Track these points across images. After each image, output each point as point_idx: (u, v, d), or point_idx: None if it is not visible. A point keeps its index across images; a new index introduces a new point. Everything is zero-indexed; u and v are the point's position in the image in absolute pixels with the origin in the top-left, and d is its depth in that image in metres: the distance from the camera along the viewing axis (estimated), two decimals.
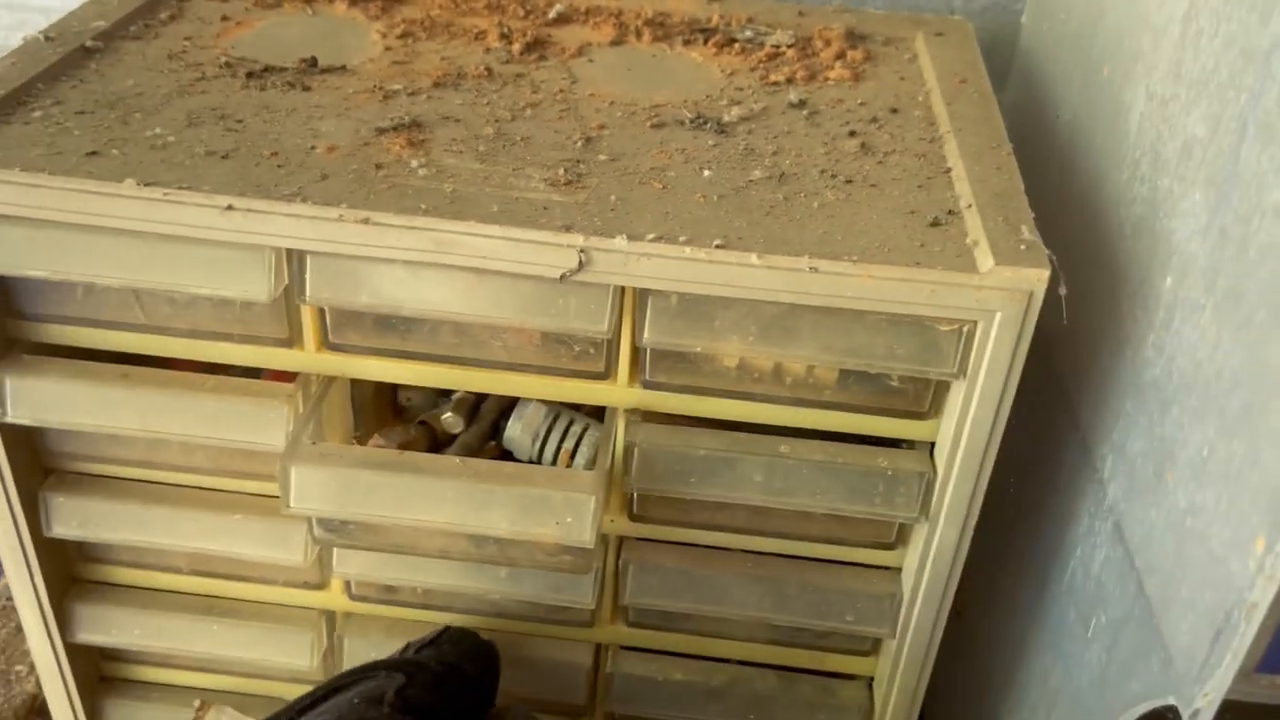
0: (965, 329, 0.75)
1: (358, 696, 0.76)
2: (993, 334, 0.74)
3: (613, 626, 0.98)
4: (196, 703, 1.05)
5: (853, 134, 0.90)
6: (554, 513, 0.79)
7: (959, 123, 0.91)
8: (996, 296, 0.72)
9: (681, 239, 0.74)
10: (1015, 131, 0.89)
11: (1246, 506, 0.58)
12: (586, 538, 0.80)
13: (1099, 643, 0.79)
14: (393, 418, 0.97)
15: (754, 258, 0.73)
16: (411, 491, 0.80)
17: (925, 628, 0.90)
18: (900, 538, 0.89)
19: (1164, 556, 0.69)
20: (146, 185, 0.75)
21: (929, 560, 0.86)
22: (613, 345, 0.82)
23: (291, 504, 0.80)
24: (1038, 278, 0.72)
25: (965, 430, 0.79)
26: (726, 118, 0.91)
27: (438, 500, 0.80)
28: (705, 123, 0.90)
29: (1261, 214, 0.60)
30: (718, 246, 0.73)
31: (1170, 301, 0.71)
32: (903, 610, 0.90)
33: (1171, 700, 0.65)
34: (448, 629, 0.89)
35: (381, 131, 0.85)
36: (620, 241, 0.73)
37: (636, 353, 0.82)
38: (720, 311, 0.77)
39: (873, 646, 0.97)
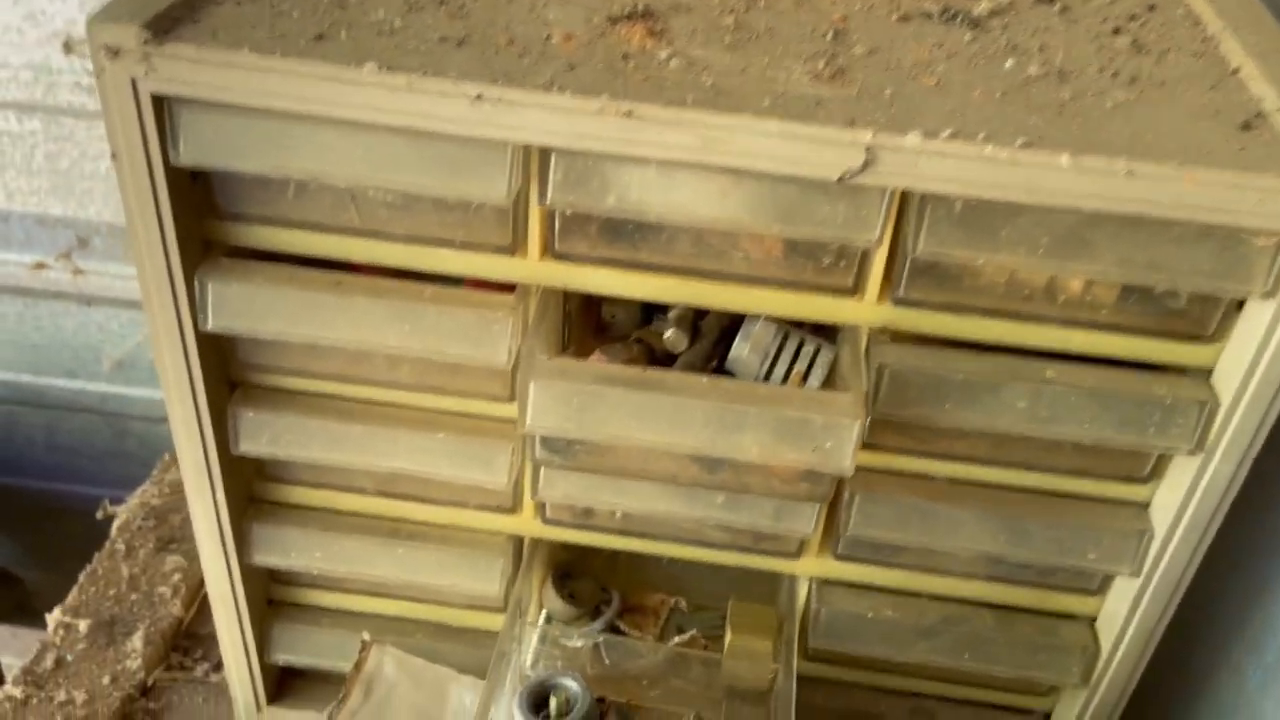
0: None
1: None
2: None
3: (820, 559, 0.93)
4: (362, 640, 1.02)
5: (1117, 31, 0.82)
6: (813, 437, 0.74)
7: (1229, 21, 0.83)
8: None
9: (979, 136, 0.67)
10: None
11: None
12: (846, 464, 0.74)
13: None
14: (596, 335, 0.91)
15: (1064, 159, 0.66)
16: (658, 411, 0.74)
17: (1177, 567, 0.84)
18: (1156, 471, 0.83)
19: None
20: (389, 70, 0.68)
21: (1195, 496, 0.80)
22: (867, 257, 0.76)
23: (530, 421, 0.75)
24: None
25: (1266, 354, 0.72)
26: (976, 11, 0.83)
27: (685, 422, 0.74)
28: (955, 16, 0.82)
29: None
30: (1023, 146, 0.66)
31: None
32: (1153, 548, 0.84)
33: None
34: None
35: (614, 21, 0.78)
36: (913, 139, 0.67)
37: (892, 266, 0.76)
38: (1008, 220, 0.70)
39: (1100, 585, 0.91)
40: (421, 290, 0.80)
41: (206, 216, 0.80)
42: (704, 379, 0.75)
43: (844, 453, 0.74)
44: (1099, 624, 0.93)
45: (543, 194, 0.73)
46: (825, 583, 0.95)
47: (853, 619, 0.93)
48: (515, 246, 0.78)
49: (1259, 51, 0.78)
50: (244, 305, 0.80)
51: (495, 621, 1.02)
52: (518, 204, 0.76)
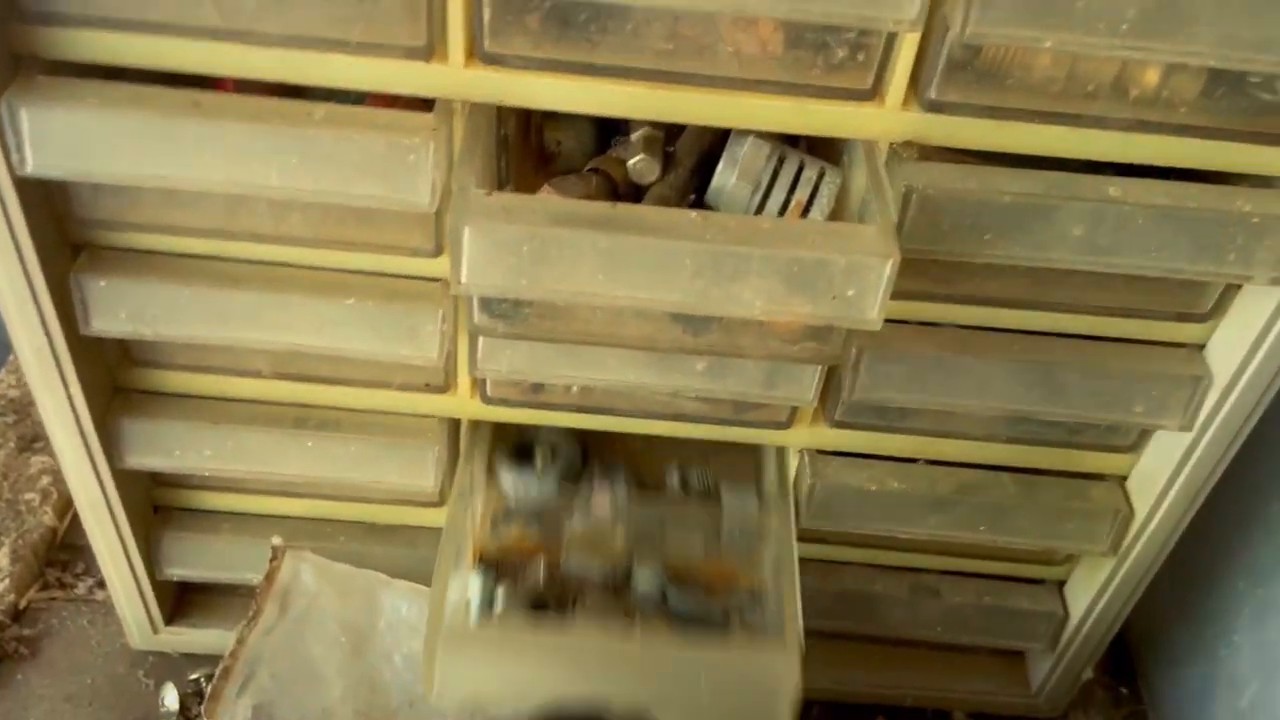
0: None
1: None
2: None
3: (813, 428, 0.79)
4: (272, 546, 0.85)
5: None
6: (832, 284, 0.58)
7: None
8: None
9: None
10: None
11: None
12: (873, 315, 0.59)
13: None
14: (538, 169, 0.73)
15: None
16: (635, 259, 0.57)
17: (1237, 418, 0.72)
18: (1218, 306, 0.70)
19: None
20: None
21: (1270, 334, 0.67)
22: (891, 47, 0.59)
23: (464, 278, 0.57)
24: None
25: None
26: None
27: (671, 270, 0.57)
28: None
29: None
30: None
31: None
32: (1211, 397, 0.71)
33: None
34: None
35: None
36: None
37: (921, 60, 0.59)
38: None
39: (1136, 442, 0.79)
40: (310, 111, 0.60)
41: (11, 20, 0.59)
42: (693, 214, 0.58)
43: (870, 302, 0.58)
44: (1130, 484, 0.81)
45: None
46: (820, 453, 0.81)
47: (852, 493, 0.80)
48: (431, 48, 0.59)
49: None
50: (73, 137, 0.60)
51: (431, 517, 0.87)
52: None
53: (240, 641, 0.81)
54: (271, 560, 0.86)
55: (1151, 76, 0.60)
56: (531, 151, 0.74)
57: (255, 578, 0.86)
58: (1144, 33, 0.55)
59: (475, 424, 0.80)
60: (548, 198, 0.63)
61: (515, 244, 0.57)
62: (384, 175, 0.61)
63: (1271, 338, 0.67)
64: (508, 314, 0.63)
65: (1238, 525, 0.87)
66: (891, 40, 0.59)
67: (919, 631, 0.92)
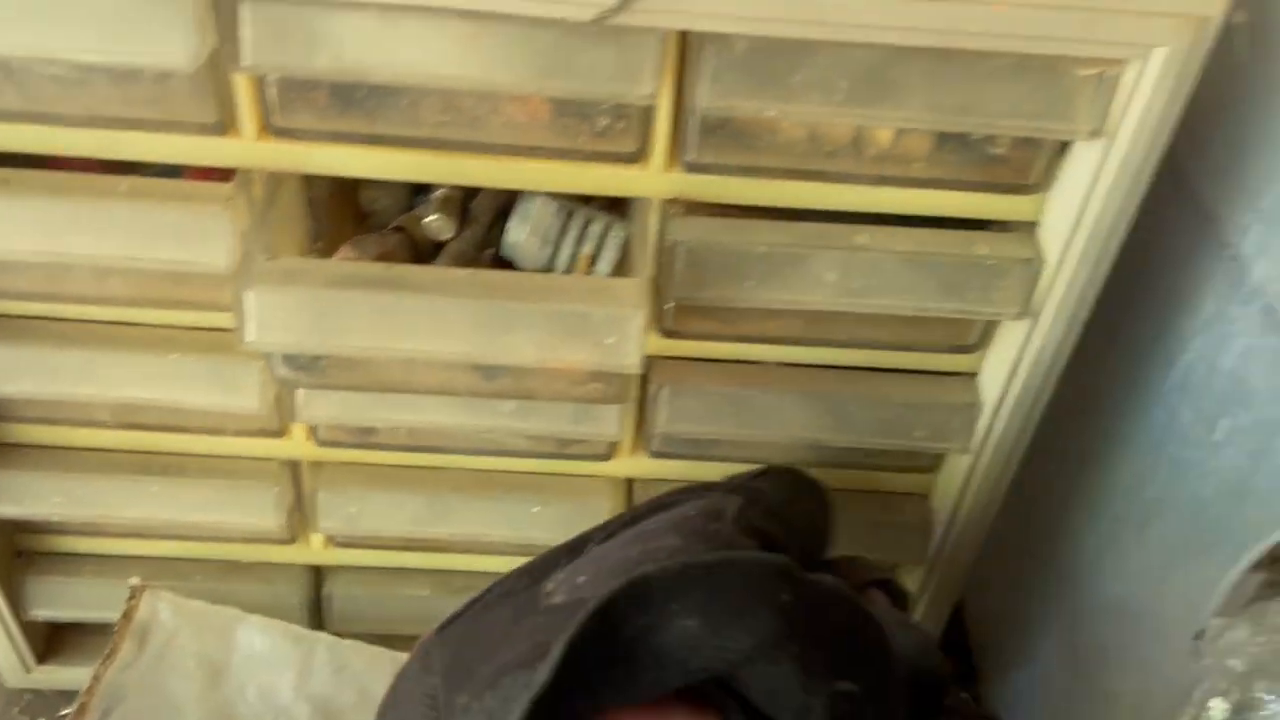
0: (1108, 74, 0.59)
1: (694, 510, 0.60)
2: (1150, 76, 0.58)
3: (634, 458, 0.84)
4: (130, 586, 0.89)
5: None
6: (594, 333, 0.63)
7: None
8: (1163, 26, 0.56)
9: None
10: None
11: None
12: (632, 360, 0.64)
13: (1234, 447, 0.67)
14: (356, 227, 0.78)
15: None
16: (409, 315, 0.62)
17: (1008, 441, 0.78)
18: (983, 339, 0.76)
19: None
20: None
21: (1024, 363, 0.73)
22: (648, 117, 0.64)
23: (250, 338, 0.62)
24: None
25: (1093, 203, 0.64)
26: None
27: (444, 325, 0.63)
28: None
29: None
30: None
31: None
32: (982, 421, 0.77)
33: None
34: (772, 467, 0.75)
35: None
36: None
37: (679, 126, 0.65)
38: (801, 61, 0.59)
39: (933, 462, 0.85)
40: (115, 184, 0.65)
41: None
42: (464, 273, 0.63)
43: (629, 348, 0.64)
44: (934, 501, 0.87)
45: (237, 56, 0.58)
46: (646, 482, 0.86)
47: None
48: (225, 124, 0.64)
49: None
50: None
51: (285, 554, 0.91)
52: (218, 71, 0.61)
53: (96, 679, 0.85)
54: (129, 599, 0.89)
55: (884, 137, 0.65)
56: (351, 211, 0.79)
57: (118, 616, 0.90)
58: (858, 100, 0.61)
59: (316, 465, 0.85)
60: (334, 260, 0.68)
61: (297, 305, 0.62)
62: (186, 241, 0.66)
63: (1027, 363, 0.73)
64: (307, 366, 0.68)
65: (1047, 536, 0.93)
66: (647, 111, 0.64)
67: None
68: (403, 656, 0.82)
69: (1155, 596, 0.77)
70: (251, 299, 0.61)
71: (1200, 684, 0.78)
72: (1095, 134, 0.61)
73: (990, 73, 0.59)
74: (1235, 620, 0.80)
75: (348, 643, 0.87)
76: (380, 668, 0.86)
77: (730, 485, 0.68)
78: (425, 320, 0.62)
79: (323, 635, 0.87)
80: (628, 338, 0.64)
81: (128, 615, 0.89)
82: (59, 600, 0.93)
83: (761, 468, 0.74)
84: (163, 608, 0.90)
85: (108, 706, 0.84)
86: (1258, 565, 0.90)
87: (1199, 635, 0.73)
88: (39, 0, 0.56)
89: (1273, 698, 0.77)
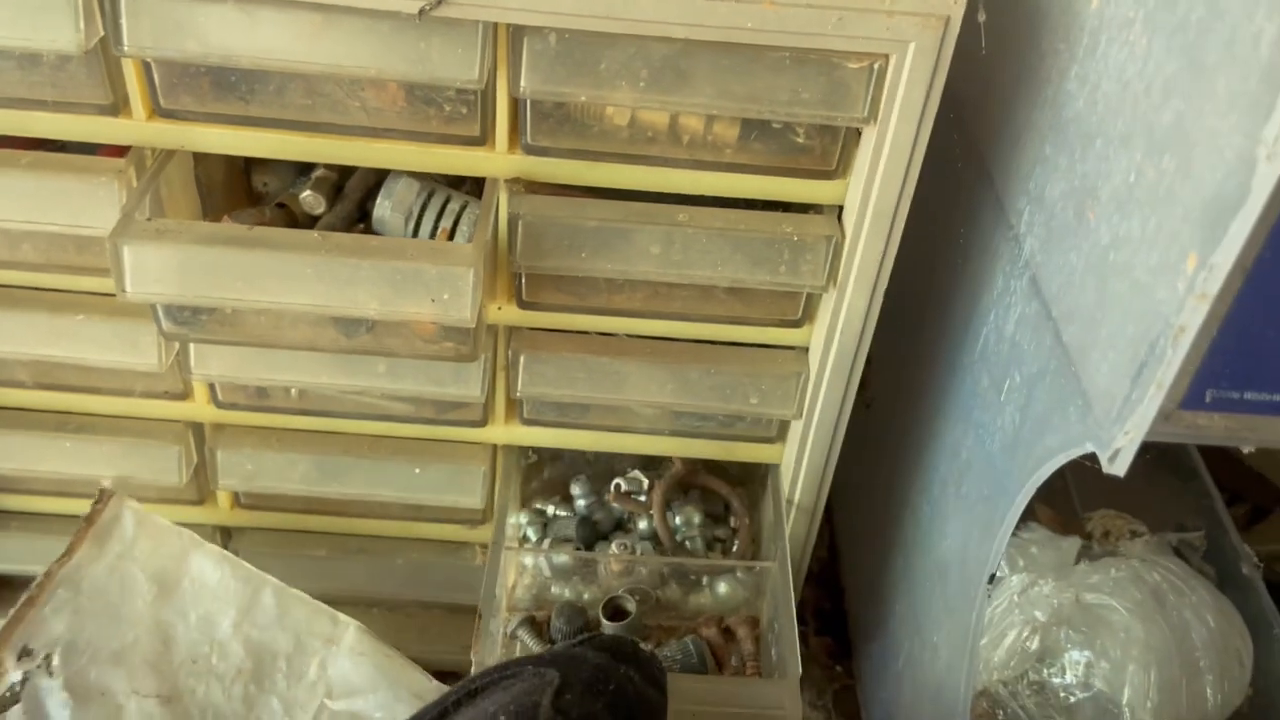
0: (876, 66, 0.68)
1: (506, 709, 0.59)
2: (906, 69, 0.67)
3: (508, 426, 0.92)
4: (100, 489, 0.93)
5: None
6: (429, 289, 0.72)
7: None
8: (910, 23, 0.65)
9: None
10: None
11: (1177, 224, 0.53)
12: (466, 315, 0.73)
13: (1012, 404, 0.75)
14: (248, 205, 0.87)
15: None
16: (264, 270, 0.71)
17: (833, 405, 0.85)
18: (807, 313, 0.84)
19: (1084, 299, 0.64)
20: None
21: (836, 332, 0.81)
22: (487, 101, 0.73)
23: (127, 288, 0.71)
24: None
25: (875, 183, 0.72)
26: None
27: (296, 279, 0.71)
28: None
29: None
30: None
31: (1095, 25, 0.65)
32: (809, 389, 0.85)
33: (1089, 447, 0.62)
34: (596, 636, 0.71)
35: None
36: None
37: (516, 112, 0.74)
38: (605, 51, 0.68)
39: (779, 432, 0.93)
40: (18, 157, 0.74)
41: None
42: (313, 234, 0.72)
43: (463, 302, 0.72)
44: (780, 471, 0.95)
45: (118, 40, 0.68)
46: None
47: None
48: (117, 106, 0.73)
49: None
50: None
51: (195, 514, 0.99)
52: (109, 57, 0.71)
53: (49, 575, 0.89)
54: (96, 502, 0.93)
55: (696, 124, 0.74)
56: (244, 192, 0.88)
57: (41, 570, 0.97)
58: (657, 88, 0.69)
59: (217, 426, 0.93)
60: (193, 223, 0.77)
61: (168, 259, 0.70)
62: (81, 210, 0.75)
63: (839, 331, 0.81)
64: (188, 321, 0.76)
65: (895, 507, 1.01)
66: (486, 97, 0.73)
67: None
68: (344, 618, 0.88)
69: (964, 552, 0.84)
70: (127, 254, 0.70)
71: (1006, 631, 0.86)
72: (869, 120, 0.70)
73: (772, 64, 0.68)
74: (1043, 577, 0.88)
75: (294, 592, 0.90)
76: (320, 623, 0.89)
77: (548, 657, 0.66)
78: (279, 274, 0.71)
79: (270, 579, 0.90)
80: (460, 294, 0.72)
81: (90, 518, 0.92)
82: None
83: (585, 636, 0.71)
84: (127, 515, 0.92)
85: (57, 603, 0.89)
86: (1089, 535, 0.98)
87: (990, 580, 0.80)
88: None
89: (1070, 645, 0.84)
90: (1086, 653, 0.84)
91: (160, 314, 0.76)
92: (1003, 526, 0.76)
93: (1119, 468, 0.59)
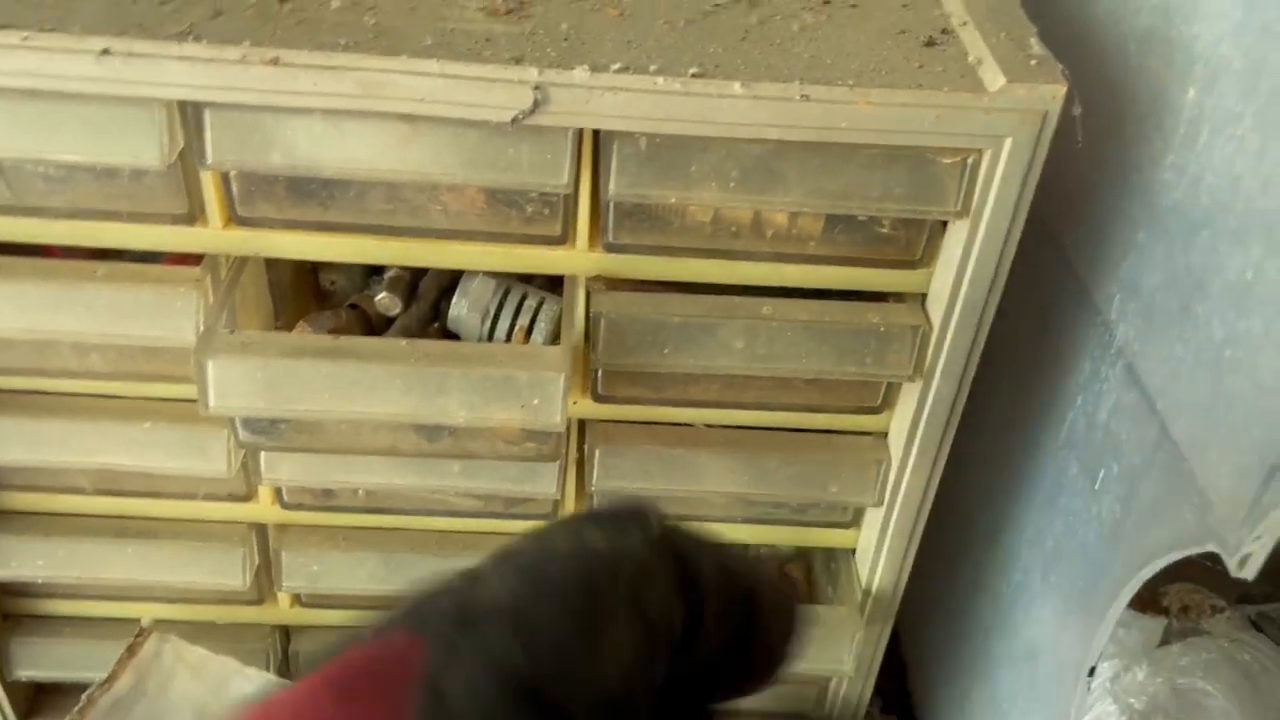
0: (969, 160, 0.67)
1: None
2: (1001, 163, 0.66)
3: None
4: (140, 625, 0.93)
5: None
6: (519, 395, 0.70)
7: None
8: (1008, 119, 0.65)
9: (651, 69, 0.64)
10: None
11: None
12: (556, 420, 0.71)
13: (1110, 495, 0.74)
14: (318, 305, 0.86)
15: (736, 86, 0.63)
16: (353, 381, 0.69)
17: (916, 493, 0.84)
18: (887, 400, 0.83)
19: (1196, 394, 0.63)
20: (1, 28, 0.61)
21: (921, 420, 0.80)
22: (570, 203, 0.72)
23: (211, 404, 0.70)
24: (1054, 95, 0.64)
25: (966, 275, 0.72)
26: None
27: (384, 389, 0.70)
28: None
29: None
30: (694, 75, 0.64)
31: (1194, 115, 0.64)
32: (891, 476, 0.84)
33: (1211, 547, 0.61)
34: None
35: None
36: (580, 73, 0.63)
37: (597, 211, 0.73)
38: (696, 155, 0.67)
39: (854, 518, 0.91)
40: (93, 269, 0.73)
41: None
42: (402, 342, 0.70)
43: (553, 408, 0.71)
44: (857, 556, 0.93)
45: (202, 155, 0.67)
46: None
47: None
48: (193, 215, 0.72)
49: None
50: None
51: (253, 614, 0.97)
52: (186, 168, 0.70)
53: (91, 700, 0.89)
54: (136, 635, 0.93)
55: (781, 219, 0.73)
56: (312, 291, 0.87)
57: (100, 676, 0.95)
58: (750, 188, 0.68)
59: (281, 527, 0.91)
60: (285, 334, 0.76)
61: (252, 373, 0.69)
62: (157, 320, 0.74)
63: (924, 420, 0.80)
64: (266, 430, 0.75)
65: (971, 592, 0.99)
66: (569, 199, 0.72)
67: None
68: None
69: (1056, 640, 0.82)
70: (211, 368, 0.68)
71: (1090, 715, 0.84)
72: (962, 214, 0.69)
73: (865, 162, 0.67)
74: (1135, 663, 0.86)
75: None
76: None
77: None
78: (367, 385, 0.70)
79: None
80: (551, 399, 0.71)
81: (131, 650, 0.93)
82: (42, 661, 0.98)
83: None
84: (167, 650, 0.94)
85: None
86: (1165, 610, 0.96)
87: (1091, 673, 0.78)
88: (34, 112, 0.65)
89: None
90: None
91: (238, 425, 0.74)
92: (1105, 619, 0.74)
93: (1249, 572, 0.58)
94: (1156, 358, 0.68)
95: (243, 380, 0.69)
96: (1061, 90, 0.64)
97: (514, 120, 0.64)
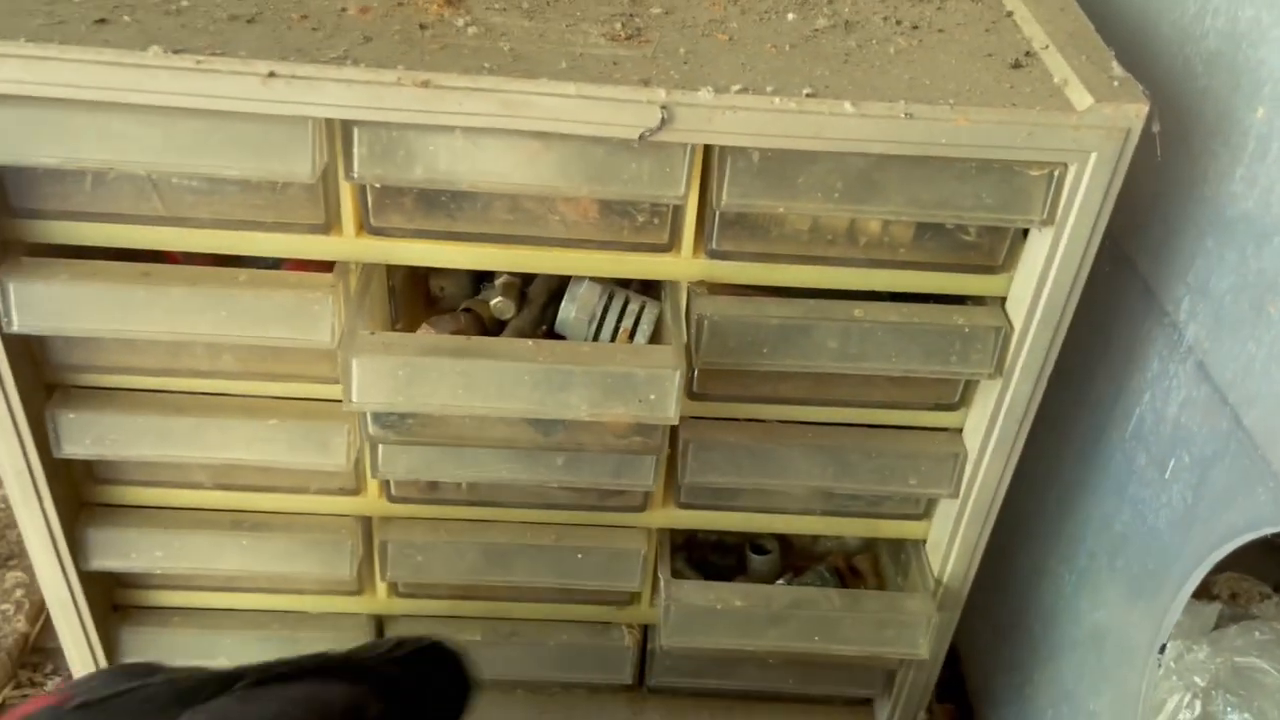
0: (1056, 173, 0.73)
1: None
2: (1086, 176, 0.72)
3: (665, 510, 0.96)
4: None
5: None
6: (637, 390, 0.76)
7: None
8: (1094, 135, 0.70)
9: (768, 89, 0.70)
10: None
11: None
12: (670, 413, 0.77)
13: (1180, 482, 0.79)
14: (426, 309, 0.91)
15: (848, 105, 0.69)
16: (485, 378, 0.75)
17: (990, 485, 0.89)
18: (964, 398, 0.88)
19: (1269, 387, 0.69)
20: (175, 52, 0.67)
21: (1000, 417, 0.85)
22: (678, 214, 0.78)
23: (354, 398, 0.75)
24: (1137, 113, 0.70)
25: (1049, 279, 0.77)
26: None
27: (514, 385, 0.75)
28: None
29: None
30: (808, 95, 0.69)
31: (1264, 133, 0.70)
32: (967, 469, 0.89)
33: None
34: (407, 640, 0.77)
35: None
36: (705, 94, 0.69)
37: (702, 221, 0.78)
38: (804, 168, 0.73)
39: (926, 509, 0.97)
40: (236, 275, 0.79)
41: (3, 215, 0.77)
42: (529, 343, 0.76)
43: (668, 402, 0.76)
44: (929, 546, 0.98)
45: (349, 169, 0.72)
46: (673, 580, 0.96)
47: (702, 613, 0.94)
48: (329, 224, 0.78)
49: None
50: (49, 304, 0.77)
51: (352, 604, 1.02)
52: (327, 181, 0.75)
53: None
54: None
55: (874, 227, 0.79)
56: (421, 295, 0.92)
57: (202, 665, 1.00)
58: (852, 198, 0.74)
59: (386, 519, 0.96)
60: (420, 335, 0.81)
61: (392, 371, 0.75)
62: (294, 322, 0.79)
63: (1002, 416, 0.85)
64: (394, 425, 0.80)
65: (1030, 580, 1.04)
66: (678, 209, 0.78)
67: (774, 685, 1.07)
68: None
69: (1124, 621, 0.88)
70: (355, 366, 0.74)
71: (1166, 697, 0.89)
72: (1047, 223, 0.75)
73: (959, 174, 0.73)
74: (1196, 643, 0.92)
75: None
76: None
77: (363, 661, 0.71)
78: (497, 381, 0.75)
79: None
80: (666, 394, 0.76)
81: None
82: (149, 651, 1.03)
83: (397, 641, 0.76)
84: None
85: None
86: (1216, 597, 1.02)
87: (1161, 650, 0.84)
88: (193, 130, 0.70)
89: (1230, 709, 0.88)
90: (1246, 715, 0.87)
91: (369, 419, 0.80)
92: (1176, 599, 0.80)
93: None
94: (1228, 355, 0.74)
95: (385, 377, 0.75)
96: (1145, 109, 0.70)
97: (641, 137, 0.70)
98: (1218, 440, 0.75)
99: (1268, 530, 0.69)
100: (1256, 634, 0.93)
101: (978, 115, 0.70)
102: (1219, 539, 0.74)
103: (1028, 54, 0.76)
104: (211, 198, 0.77)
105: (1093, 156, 0.71)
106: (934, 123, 0.70)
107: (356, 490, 0.94)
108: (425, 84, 0.68)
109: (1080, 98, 0.70)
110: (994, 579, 1.12)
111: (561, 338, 0.88)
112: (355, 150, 0.72)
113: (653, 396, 0.76)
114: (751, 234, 0.79)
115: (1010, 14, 0.82)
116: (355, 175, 0.73)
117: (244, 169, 0.72)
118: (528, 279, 0.89)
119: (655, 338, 0.86)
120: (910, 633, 0.95)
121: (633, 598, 1.03)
